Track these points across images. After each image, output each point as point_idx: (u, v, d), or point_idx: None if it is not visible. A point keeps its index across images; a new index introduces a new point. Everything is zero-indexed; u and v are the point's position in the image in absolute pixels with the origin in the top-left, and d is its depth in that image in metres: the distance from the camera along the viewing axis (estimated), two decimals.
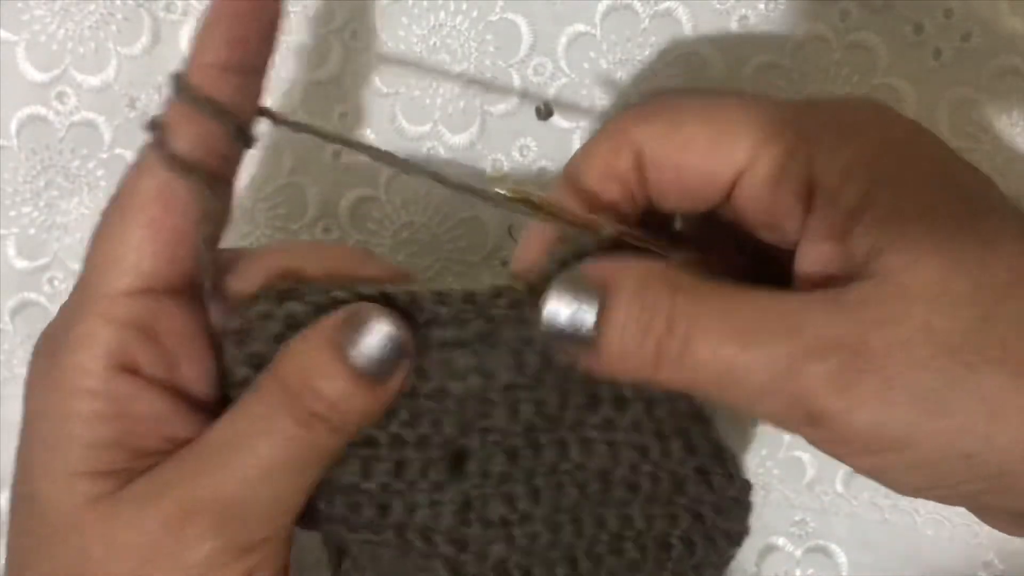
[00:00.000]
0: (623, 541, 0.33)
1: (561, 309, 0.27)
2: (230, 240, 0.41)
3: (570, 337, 0.28)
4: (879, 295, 0.25)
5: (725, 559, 0.35)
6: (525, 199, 0.29)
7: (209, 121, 0.28)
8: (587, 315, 0.27)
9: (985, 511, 0.30)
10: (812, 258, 0.27)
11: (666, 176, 0.29)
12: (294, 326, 0.29)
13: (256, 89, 0.30)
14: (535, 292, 0.29)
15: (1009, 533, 0.30)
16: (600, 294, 0.27)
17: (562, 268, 0.29)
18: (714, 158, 0.28)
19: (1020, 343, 0.25)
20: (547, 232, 0.30)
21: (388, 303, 0.30)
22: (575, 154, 0.31)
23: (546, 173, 0.41)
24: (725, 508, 0.34)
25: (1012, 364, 0.24)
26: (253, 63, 0.29)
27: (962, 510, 0.42)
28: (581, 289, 0.27)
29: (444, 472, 0.31)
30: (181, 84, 0.29)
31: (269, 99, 0.40)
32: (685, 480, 0.33)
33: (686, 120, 0.29)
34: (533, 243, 0.31)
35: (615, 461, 0.32)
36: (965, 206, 0.26)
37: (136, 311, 0.29)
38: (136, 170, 0.30)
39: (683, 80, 0.40)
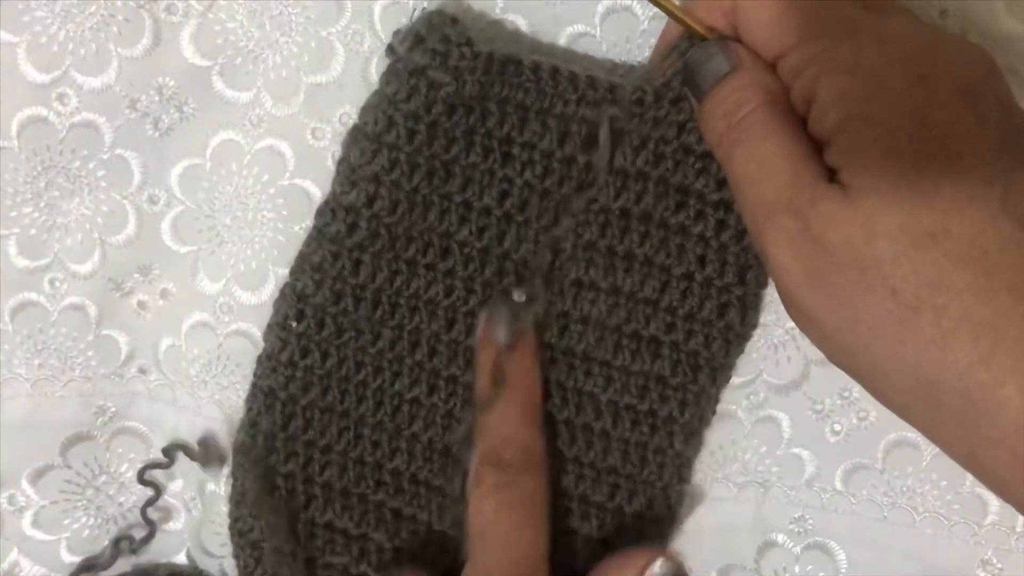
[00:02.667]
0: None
1: (701, 57, 0.35)
2: (230, 240, 0.41)
3: (694, 83, 0.35)
4: (833, 199, 0.30)
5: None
6: None
7: None
8: (713, 72, 0.34)
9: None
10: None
11: (745, 26, 0.34)
12: None
13: None
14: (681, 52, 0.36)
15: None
16: (731, 63, 0.34)
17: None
18: (774, 29, 0.33)
19: (914, 287, 0.29)
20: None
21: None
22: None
23: None
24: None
25: (902, 299, 0.29)
26: None
27: (961, 509, 0.42)
28: (722, 52, 0.34)
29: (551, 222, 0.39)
30: None
31: (270, 101, 0.41)
32: (727, 305, 0.39)
33: None
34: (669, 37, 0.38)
35: (675, 259, 0.39)
36: (930, 163, 0.30)
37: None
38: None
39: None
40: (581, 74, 0.38)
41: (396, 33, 0.39)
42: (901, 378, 0.30)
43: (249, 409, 0.41)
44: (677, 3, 0.36)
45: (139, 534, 0.43)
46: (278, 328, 0.40)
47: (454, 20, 0.38)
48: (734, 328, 0.39)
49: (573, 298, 0.39)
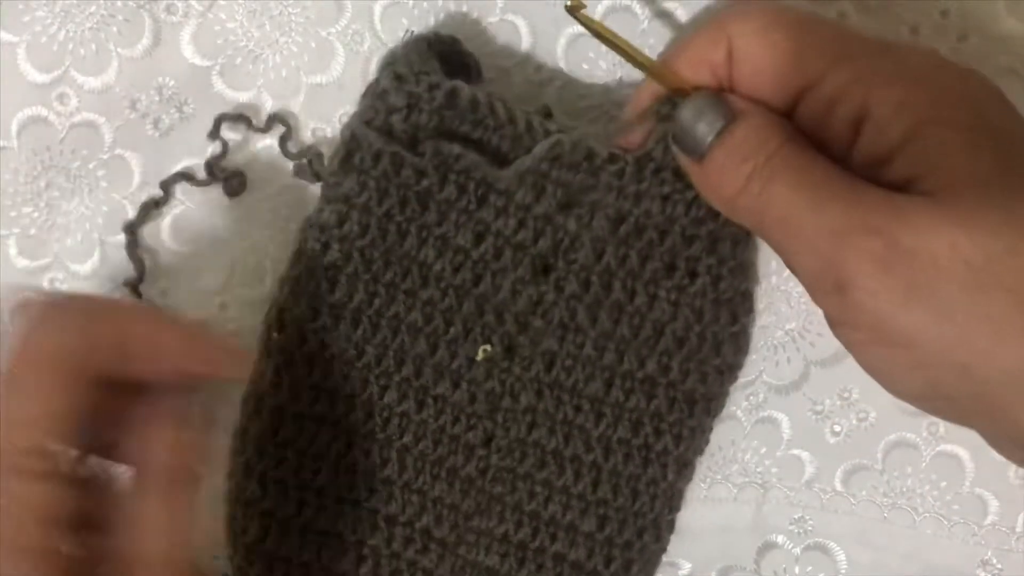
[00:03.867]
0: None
1: (694, 114, 0.33)
2: (230, 240, 0.41)
3: (691, 140, 0.33)
4: (918, 208, 0.28)
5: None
6: (587, 21, 0.34)
7: None
8: (712, 125, 0.32)
9: (988, 436, 0.32)
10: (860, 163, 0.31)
11: (747, 73, 0.33)
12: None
13: None
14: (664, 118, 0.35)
15: (1017, 463, 0.33)
16: (730, 115, 0.32)
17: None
18: (789, 67, 0.32)
19: None
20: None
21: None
22: (673, 44, 0.35)
23: None
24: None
25: (1021, 295, 0.28)
26: None
27: (961, 509, 0.42)
28: (719, 105, 0.32)
29: (529, 273, 0.38)
30: None
31: (270, 101, 0.41)
32: (723, 343, 0.39)
33: (777, 27, 0.32)
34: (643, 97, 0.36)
35: (670, 314, 0.38)
36: (1005, 152, 0.29)
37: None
38: None
39: None
40: (554, 132, 0.37)
41: (387, 51, 0.38)
42: None
43: (240, 414, 0.40)
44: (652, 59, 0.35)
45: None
46: (263, 337, 0.39)
47: (443, 42, 0.37)
48: (729, 360, 0.39)
49: (559, 339, 0.39)
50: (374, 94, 0.37)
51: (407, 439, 0.40)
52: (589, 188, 0.37)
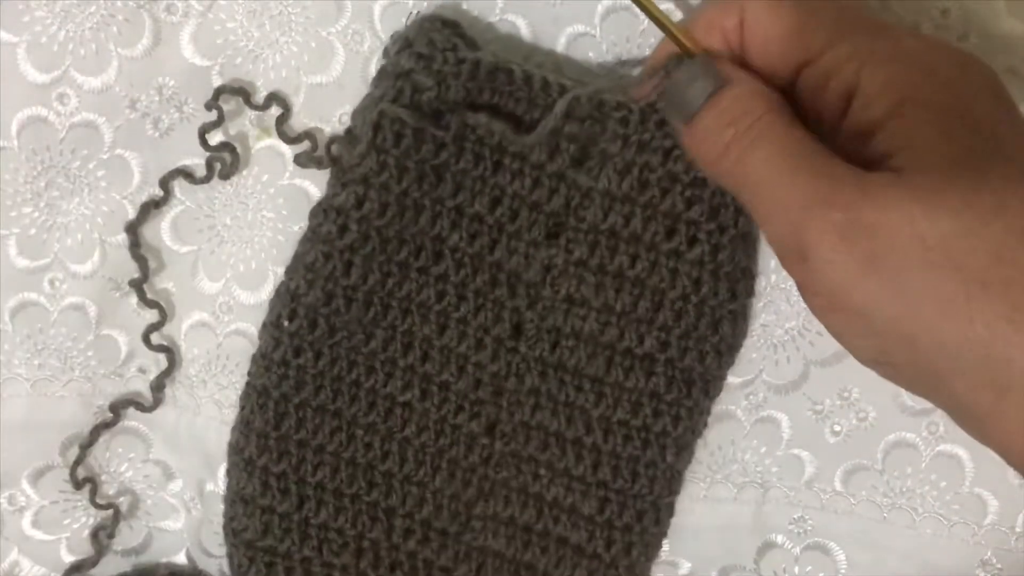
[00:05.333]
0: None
1: (687, 77, 0.34)
2: (230, 240, 0.41)
3: (680, 102, 0.34)
4: (885, 184, 0.30)
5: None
6: None
7: None
8: (703, 89, 0.34)
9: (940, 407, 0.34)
10: (843, 151, 0.32)
11: (756, 41, 0.34)
12: None
13: None
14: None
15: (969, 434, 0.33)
16: (720, 81, 0.34)
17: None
18: (794, 40, 0.33)
19: (982, 261, 0.29)
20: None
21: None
22: (693, 13, 0.37)
23: None
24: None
25: (969, 275, 0.29)
26: None
27: (960, 509, 0.42)
28: (711, 70, 0.34)
29: (542, 234, 0.39)
30: None
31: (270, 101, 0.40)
32: (721, 320, 0.39)
33: (788, 1, 0.34)
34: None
35: (668, 282, 0.39)
36: (982, 139, 0.31)
37: None
38: None
39: None
40: (570, 87, 0.38)
41: (392, 36, 0.39)
42: (969, 360, 0.29)
43: (243, 408, 0.41)
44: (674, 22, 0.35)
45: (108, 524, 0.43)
46: (272, 327, 0.40)
47: (447, 24, 0.38)
48: (727, 340, 0.40)
49: (564, 314, 0.39)
50: (395, 75, 0.38)
51: (409, 431, 0.40)
52: (598, 137, 0.38)
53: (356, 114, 0.39)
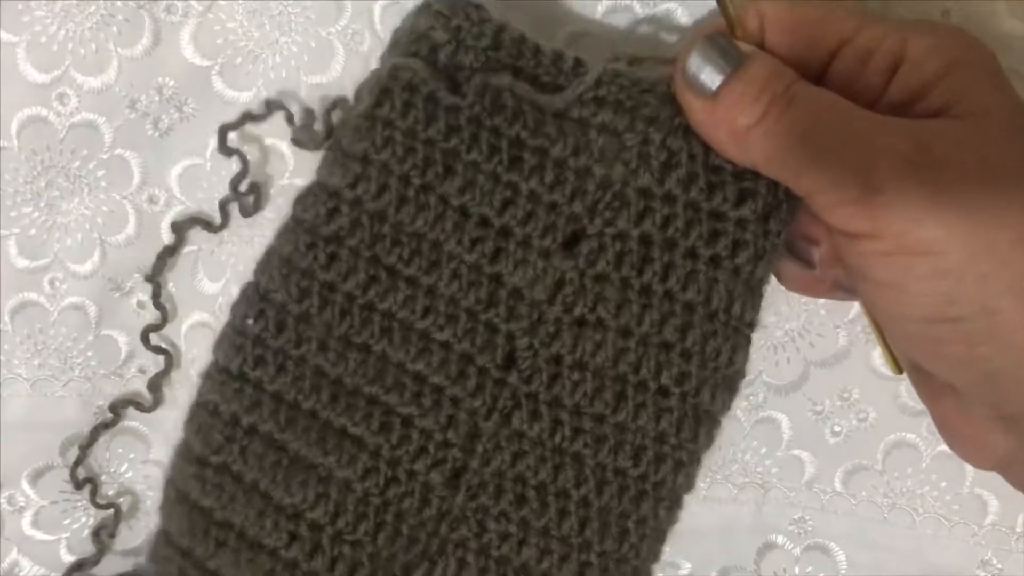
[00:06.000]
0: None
1: (705, 55, 0.33)
2: (230, 240, 0.41)
3: (701, 81, 0.33)
4: (951, 126, 0.30)
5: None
6: None
7: None
8: (722, 69, 0.33)
9: (971, 385, 0.32)
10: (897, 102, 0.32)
11: (780, 30, 0.34)
12: None
13: None
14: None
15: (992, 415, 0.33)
16: (740, 59, 0.33)
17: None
18: (824, 25, 0.33)
19: None
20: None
21: None
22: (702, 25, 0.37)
23: None
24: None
25: None
26: None
27: (961, 509, 0.42)
28: (730, 49, 0.33)
29: (558, 242, 0.35)
30: None
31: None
32: (739, 346, 0.36)
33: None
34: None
35: (703, 296, 0.35)
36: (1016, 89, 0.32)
37: None
38: None
39: None
40: (607, 68, 0.34)
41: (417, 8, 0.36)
42: None
43: (187, 425, 0.38)
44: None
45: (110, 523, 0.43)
46: (232, 333, 0.36)
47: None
48: (741, 371, 0.36)
49: (574, 340, 0.35)
50: (411, 38, 0.34)
51: (352, 474, 0.35)
52: (635, 123, 0.34)
53: (362, 86, 0.36)
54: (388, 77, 0.33)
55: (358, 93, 0.37)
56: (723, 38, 0.34)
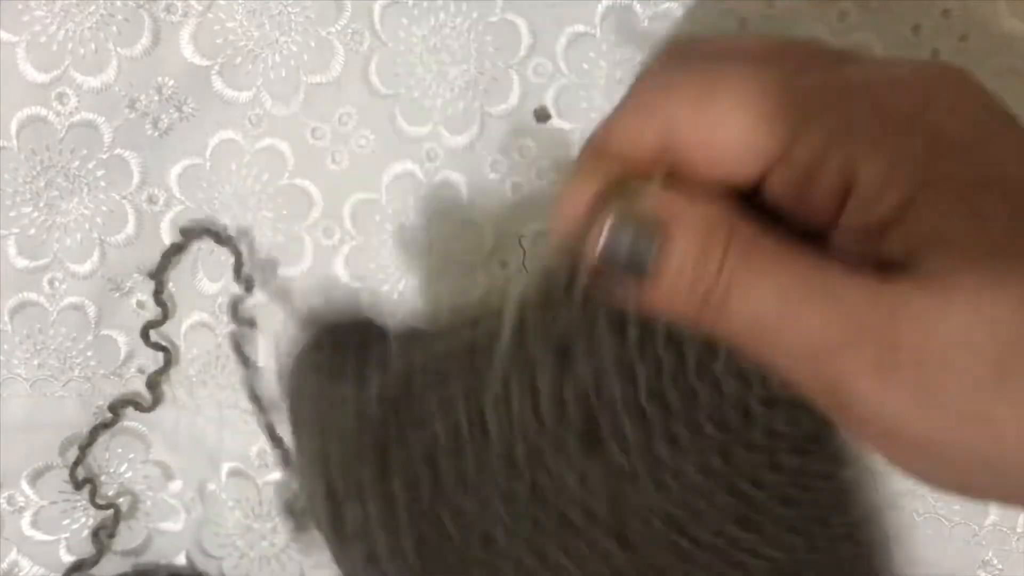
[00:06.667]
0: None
1: (621, 238, 0.26)
2: (230, 240, 0.41)
3: (626, 268, 0.26)
4: (919, 297, 0.24)
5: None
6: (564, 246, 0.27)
7: None
8: (647, 247, 0.26)
9: None
10: (842, 248, 0.26)
11: (695, 154, 0.27)
12: None
13: None
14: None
15: None
16: (661, 228, 0.26)
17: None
18: (747, 142, 0.26)
19: None
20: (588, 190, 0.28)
21: None
22: (598, 128, 0.29)
23: (546, 174, 0.41)
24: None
25: None
26: None
27: (961, 509, 0.42)
28: (643, 219, 0.26)
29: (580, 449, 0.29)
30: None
31: (269, 100, 0.40)
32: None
33: (720, 95, 0.26)
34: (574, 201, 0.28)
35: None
36: (1014, 198, 0.25)
37: None
38: None
39: None
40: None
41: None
42: None
43: None
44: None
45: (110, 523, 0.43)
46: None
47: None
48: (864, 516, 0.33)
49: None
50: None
51: None
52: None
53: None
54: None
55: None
56: (630, 202, 0.27)
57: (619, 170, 0.27)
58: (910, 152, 0.25)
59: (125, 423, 0.43)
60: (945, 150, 0.25)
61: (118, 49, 0.40)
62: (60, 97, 0.40)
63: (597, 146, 0.28)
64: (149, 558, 0.44)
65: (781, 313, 0.25)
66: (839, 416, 0.26)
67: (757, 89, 0.26)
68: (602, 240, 0.26)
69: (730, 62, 0.27)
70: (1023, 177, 0.25)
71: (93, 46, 0.40)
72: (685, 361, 0.29)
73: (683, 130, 0.26)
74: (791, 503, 0.30)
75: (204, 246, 0.42)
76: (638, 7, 0.39)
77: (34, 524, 0.44)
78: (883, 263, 0.25)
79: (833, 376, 0.25)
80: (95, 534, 0.43)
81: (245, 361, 0.37)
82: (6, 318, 0.42)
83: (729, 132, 0.26)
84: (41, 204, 0.41)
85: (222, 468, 0.42)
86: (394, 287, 0.42)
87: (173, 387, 0.43)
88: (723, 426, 0.29)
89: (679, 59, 0.28)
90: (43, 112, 0.40)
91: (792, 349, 0.25)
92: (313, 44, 0.40)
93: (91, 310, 0.42)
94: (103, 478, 0.43)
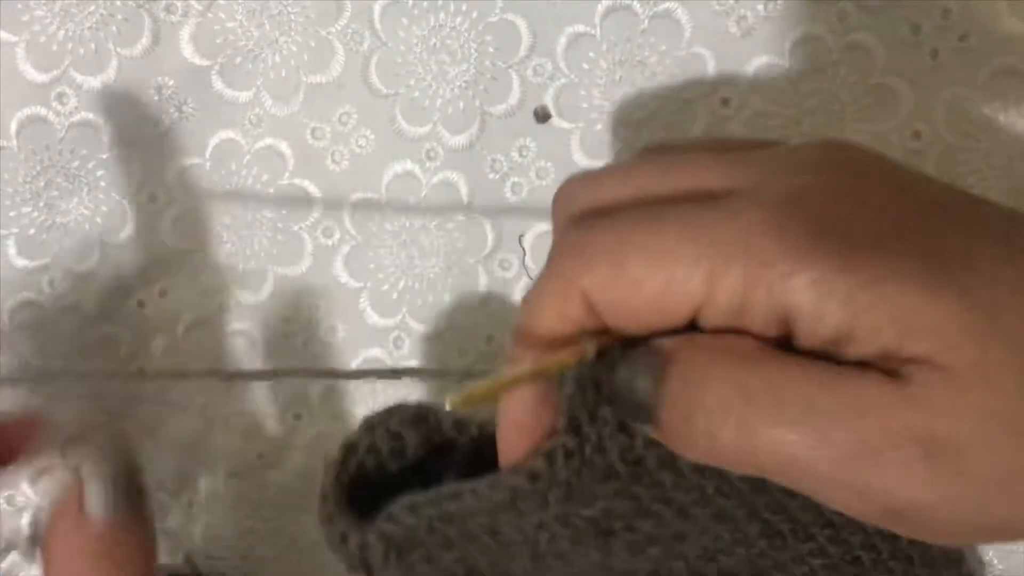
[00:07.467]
0: None
1: (623, 382, 0.26)
2: (229, 242, 0.41)
3: (634, 412, 0.27)
4: (931, 384, 0.23)
5: None
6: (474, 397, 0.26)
7: None
8: (648, 389, 0.26)
9: None
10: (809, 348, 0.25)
11: (621, 316, 0.26)
12: None
13: None
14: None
15: None
16: (659, 368, 0.26)
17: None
18: (667, 298, 0.25)
19: None
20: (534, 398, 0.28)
21: None
22: (523, 306, 0.28)
23: (546, 174, 0.41)
24: None
25: None
26: None
27: None
28: (641, 361, 0.26)
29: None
30: None
31: (269, 100, 0.40)
32: None
33: (629, 261, 0.26)
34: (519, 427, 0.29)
35: None
36: (955, 265, 0.24)
37: None
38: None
39: (681, 81, 0.40)
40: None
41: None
42: None
43: None
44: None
45: None
46: None
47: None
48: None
49: None
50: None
51: None
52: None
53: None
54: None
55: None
56: (620, 351, 0.27)
57: (549, 354, 0.27)
58: (829, 254, 0.24)
59: (126, 424, 0.43)
60: (867, 232, 0.24)
61: (118, 49, 0.40)
62: (60, 97, 0.40)
63: (525, 331, 0.28)
64: None
65: (810, 434, 0.24)
66: (886, 520, 0.25)
67: (663, 244, 0.25)
68: (616, 386, 0.26)
69: (637, 212, 0.26)
70: (918, 208, 0.25)
71: (93, 46, 0.40)
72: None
73: (602, 300, 0.26)
74: None
75: (204, 247, 0.42)
76: (638, 7, 0.39)
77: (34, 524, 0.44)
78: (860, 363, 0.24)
79: (878, 483, 0.24)
80: None
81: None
82: (6, 318, 0.42)
83: (647, 291, 0.25)
84: (41, 204, 0.41)
85: (221, 468, 0.42)
86: (394, 287, 0.42)
87: (173, 387, 0.43)
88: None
89: (588, 232, 0.27)
90: (43, 112, 0.40)
91: (829, 471, 0.24)
92: (313, 44, 0.40)
93: (91, 310, 0.42)
94: None
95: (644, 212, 0.27)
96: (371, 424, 0.31)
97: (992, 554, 0.43)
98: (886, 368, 0.24)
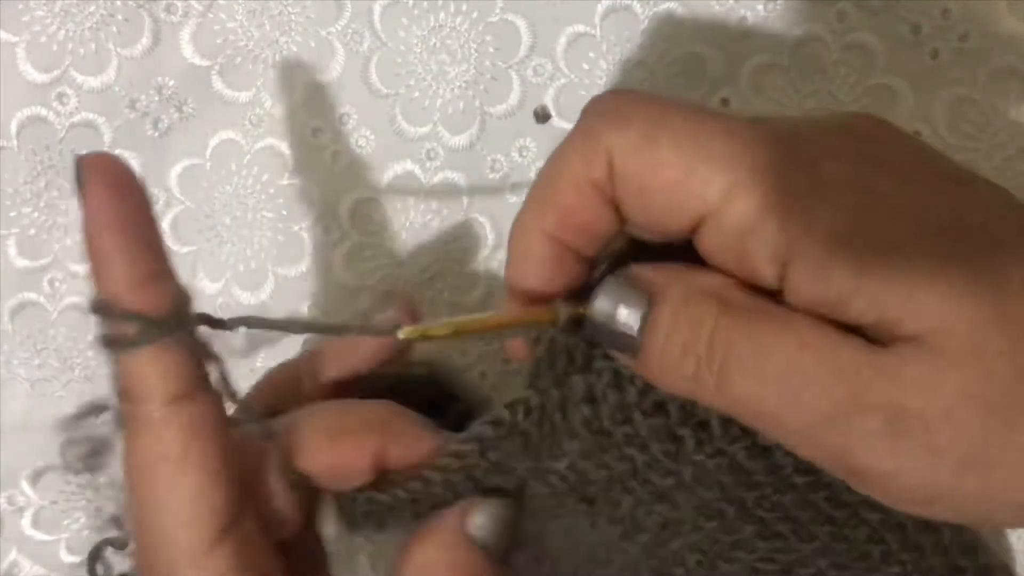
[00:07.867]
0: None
1: (607, 311, 0.27)
2: (230, 240, 0.41)
3: (616, 341, 0.27)
4: (916, 362, 0.24)
5: None
6: (422, 334, 0.28)
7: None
8: (633, 320, 0.26)
9: None
10: (802, 306, 0.26)
11: (630, 193, 0.26)
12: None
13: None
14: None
15: None
16: (646, 300, 0.26)
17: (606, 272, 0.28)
18: (683, 191, 0.25)
19: None
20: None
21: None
22: (549, 161, 0.29)
23: None
24: None
25: None
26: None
27: None
28: (629, 292, 0.26)
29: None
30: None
31: (269, 100, 0.40)
32: None
33: (662, 137, 0.26)
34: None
35: None
36: (972, 246, 0.24)
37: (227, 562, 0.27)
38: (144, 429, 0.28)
39: (681, 81, 0.40)
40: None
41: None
42: None
43: None
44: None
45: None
46: None
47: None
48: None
49: None
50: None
51: None
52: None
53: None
54: None
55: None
56: (618, 276, 0.27)
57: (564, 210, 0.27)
58: (849, 214, 0.24)
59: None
60: (886, 206, 0.25)
61: (118, 49, 0.40)
62: (60, 97, 0.40)
63: (548, 174, 0.28)
64: None
65: (782, 390, 0.24)
66: (847, 478, 0.26)
67: (701, 137, 0.25)
68: (593, 315, 0.27)
69: (678, 106, 0.26)
70: (954, 201, 0.25)
71: (93, 46, 0.40)
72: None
73: (621, 166, 0.26)
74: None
75: (204, 247, 0.42)
76: (638, 7, 0.39)
77: (34, 524, 0.44)
78: (851, 326, 0.24)
79: (842, 445, 0.24)
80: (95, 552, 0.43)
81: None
82: (6, 318, 0.42)
83: (667, 173, 0.25)
84: (41, 204, 0.41)
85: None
86: (393, 287, 0.42)
87: None
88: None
89: (632, 96, 0.27)
90: (43, 112, 0.40)
91: (799, 426, 0.25)
92: (313, 44, 0.40)
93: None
94: (103, 479, 0.43)
95: (690, 102, 0.27)
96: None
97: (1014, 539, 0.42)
98: (872, 336, 0.24)
